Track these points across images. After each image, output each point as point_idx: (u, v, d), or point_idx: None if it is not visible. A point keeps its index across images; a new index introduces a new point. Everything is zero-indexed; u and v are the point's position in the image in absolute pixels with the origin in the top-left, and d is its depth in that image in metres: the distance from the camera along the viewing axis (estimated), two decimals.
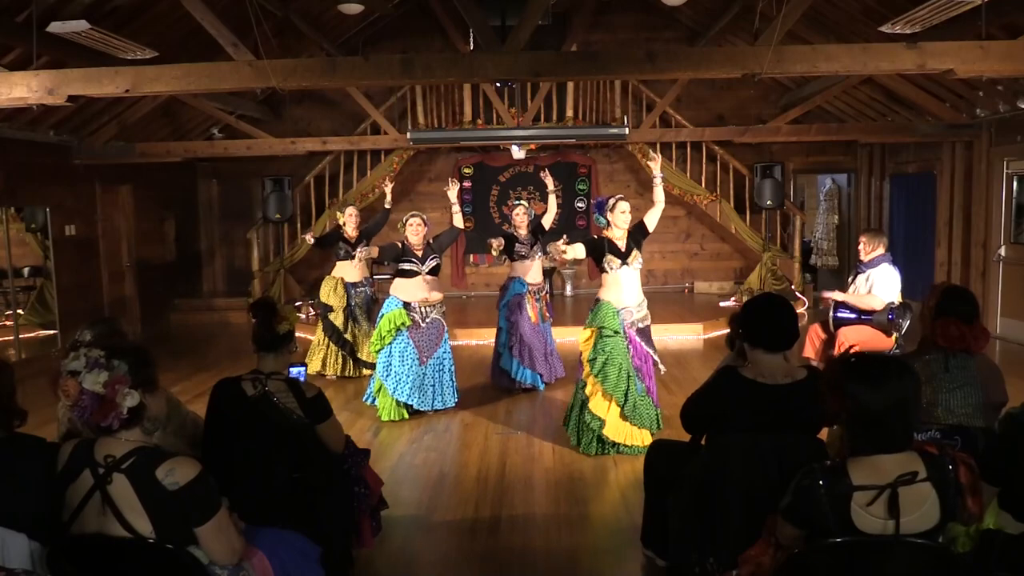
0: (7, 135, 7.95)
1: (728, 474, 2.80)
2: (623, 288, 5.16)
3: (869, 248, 5.80)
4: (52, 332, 8.66)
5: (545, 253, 6.89)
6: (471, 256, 12.57)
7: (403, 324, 6.02)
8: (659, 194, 5.35)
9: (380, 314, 6.14)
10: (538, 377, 6.82)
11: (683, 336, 9.40)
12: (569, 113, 11.19)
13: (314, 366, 7.39)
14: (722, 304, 10.95)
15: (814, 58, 5.22)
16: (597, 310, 5.14)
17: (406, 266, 6.12)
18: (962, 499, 2.18)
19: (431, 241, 6.27)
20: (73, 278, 8.94)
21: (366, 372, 7.29)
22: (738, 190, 11.59)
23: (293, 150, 10.61)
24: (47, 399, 2.69)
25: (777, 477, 2.63)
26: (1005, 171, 8.80)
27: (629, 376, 5.07)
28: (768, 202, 11.06)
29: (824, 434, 3.09)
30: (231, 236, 12.59)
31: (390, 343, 6.04)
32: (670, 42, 11.77)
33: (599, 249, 5.16)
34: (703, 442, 3.12)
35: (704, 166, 11.53)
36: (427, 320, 6.12)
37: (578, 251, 5.11)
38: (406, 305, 6.07)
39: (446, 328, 6.30)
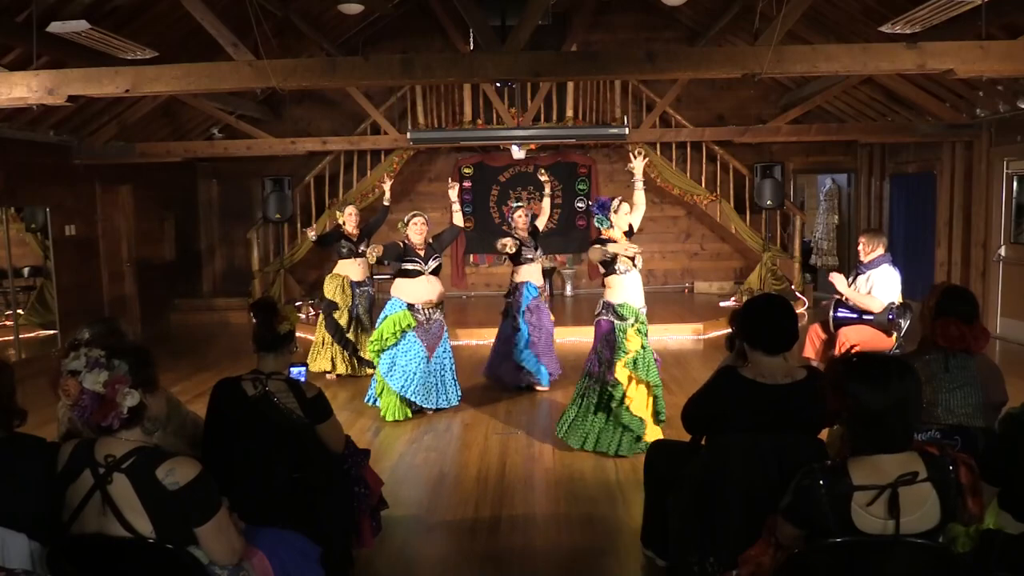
0: (7, 135, 7.95)
1: (728, 474, 2.80)
2: (633, 290, 5.13)
3: (869, 249, 5.78)
4: (52, 332, 8.66)
5: (545, 254, 6.97)
6: (471, 256, 12.57)
7: (408, 326, 5.97)
8: (639, 196, 5.35)
9: (383, 315, 6.07)
10: (547, 374, 6.92)
11: (683, 336, 9.40)
12: (569, 113, 11.18)
13: (321, 365, 7.34)
14: (722, 304, 10.94)
15: (814, 58, 5.22)
16: (623, 312, 5.06)
17: (409, 266, 6.05)
18: (962, 499, 2.18)
19: (431, 240, 6.26)
20: (73, 278, 8.94)
21: (368, 372, 7.27)
22: (738, 190, 11.59)
23: (293, 150, 10.62)
24: (47, 399, 2.69)
25: (777, 477, 2.63)
26: (1005, 171, 8.80)
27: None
28: (768, 202, 11.05)
29: (824, 434, 3.09)
30: (231, 236, 12.59)
31: (393, 344, 5.98)
32: (670, 42, 11.77)
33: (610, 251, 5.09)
34: (703, 442, 3.12)
35: (704, 166, 11.52)
36: (431, 320, 6.12)
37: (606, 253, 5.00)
38: (409, 307, 6.04)
39: (445, 327, 6.31)
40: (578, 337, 8.59)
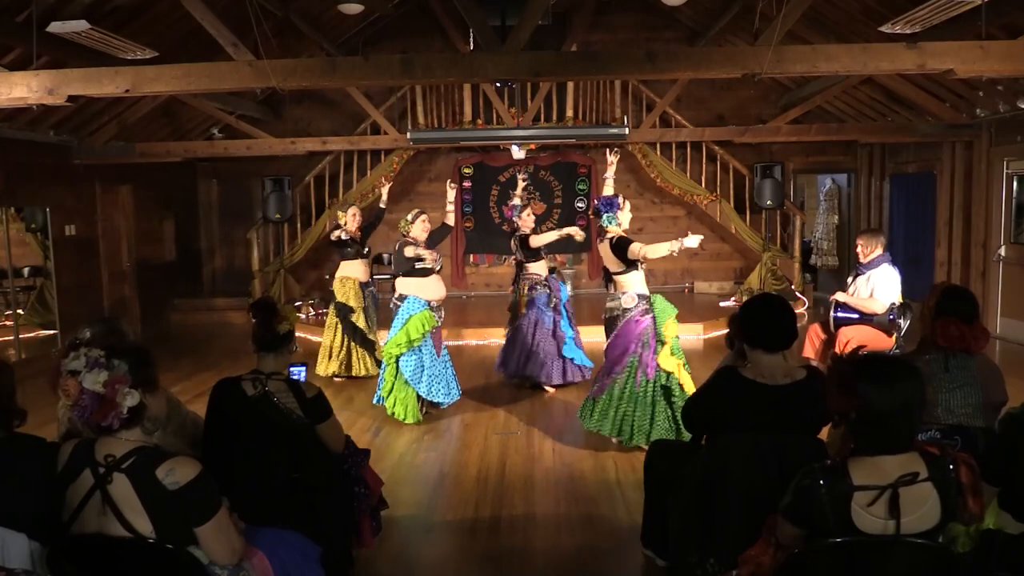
0: (7, 135, 7.95)
1: (728, 474, 2.80)
2: (643, 285, 5.16)
3: (868, 249, 5.77)
4: (52, 332, 8.66)
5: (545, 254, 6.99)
6: (471, 256, 12.57)
7: (433, 326, 5.91)
8: (608, 192, 5.52)
9: (405, 315, 5.87)
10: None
11: (683, 336, 9.24)
12: (569, 113, 11.18)
13: (329, 369, 7.27)
14: (722, 304, 10.94)
15: (814, 58, 5.22)
16: (661, 308, 5.09)
17: (420, 265, 5.96)
18: (963, 499, 2.18)
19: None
20: (73, 278, 8.93)
21: (375, 372, 7.20)
22: (738, 190, 11.59)
23: (293, 150, 10.61)
24: (47, 399, 2.69)
25: (777, 477, 2.63)
26: (1005, 171, 8.80)
27: None
28: (768, 202, 11.05)
29: (824, 434, 3.09)
30: (231, 236, 12.58)
31: (420, 346, 5.88)
32: (670, 42, 11.76)
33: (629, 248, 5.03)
34: (703, 442, 3.13)
35: (704, 166, 11.52)
36: (441, 318, 6.12)
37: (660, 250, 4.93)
38: (428, 305, 5.96)
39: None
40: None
